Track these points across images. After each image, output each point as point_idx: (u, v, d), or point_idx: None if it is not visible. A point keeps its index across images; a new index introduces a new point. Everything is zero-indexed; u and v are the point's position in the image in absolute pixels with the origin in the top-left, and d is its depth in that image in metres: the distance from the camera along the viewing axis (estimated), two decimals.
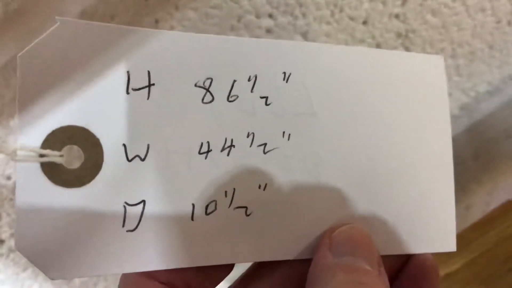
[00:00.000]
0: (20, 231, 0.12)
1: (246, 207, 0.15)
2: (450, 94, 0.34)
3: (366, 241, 0.15)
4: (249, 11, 0.24)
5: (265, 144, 0.15)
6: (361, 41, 0.28)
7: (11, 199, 0.26)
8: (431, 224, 0.17)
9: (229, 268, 0.17)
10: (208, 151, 0.14)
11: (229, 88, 0.14)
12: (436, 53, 0.31)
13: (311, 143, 0.15)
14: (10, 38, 0.22)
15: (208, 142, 0.14)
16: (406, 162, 0.17)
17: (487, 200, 0.40)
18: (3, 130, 0.24)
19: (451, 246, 0.17)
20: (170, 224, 0.14)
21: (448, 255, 0.26)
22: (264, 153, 0.15)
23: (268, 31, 0.25)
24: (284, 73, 0.15)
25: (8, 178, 0.25)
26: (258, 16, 0.25)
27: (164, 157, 0.14)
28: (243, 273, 0.18)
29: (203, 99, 0.14)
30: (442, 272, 0.28)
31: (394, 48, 0.29)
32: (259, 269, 0.18)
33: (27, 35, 0.22)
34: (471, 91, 0.34)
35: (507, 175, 0.40)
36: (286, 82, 0.15)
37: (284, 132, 0.15)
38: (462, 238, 0.29)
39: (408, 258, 0.17)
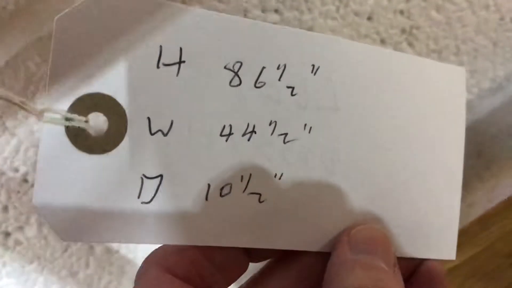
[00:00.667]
0: (39, 190, 0.12)
1: (260, 194, 0.15)
2: None
3: (384, 242, 0.16)
4: (255, 5, 0.25)
5: (286, 134, 0.15)
6: (366, 37, 0.28)
7: (18, 192, 0.26)
8: (434, 232, 0.17)
9: (244, 266, 0.17)
10: (230, 134, 0.14)
11: (258, 74, 0.14)
12: (440, 50, 0.31)
13: (331, 139, 0.16)
14: (19, 31, 0.22)
15: (230, 126, 0.14)
16: (418, 170, 0.17)
17: (490, 197, 0.40)
18: (13, 121, 0.24)
19: (451, 255, 0.18)
20: (184, 201, 0.14)
21: None
22: (284, 143, 0.15)
23: None
24: (313, 65, 0.15)
25: (16, 170, 0.25)
26: (264, 11, 0.25)
27: (186, 135, 0.14)
28: (256, 272, 0.18)
29: (230, 82, 0.14)
30: (445, 267, 0.28)
31: (398, 43, 0.29)
32: (273, 266, 0.18)
33: (36, 28, 0.22)
34: (474, 87, 0.35)
35: (510, 172, 0.40)
36: (314, 74, 0.15)
37: (305, 125, 0.15)
38: (464, 232, 0.29)
39: (419, 263, 0.18)
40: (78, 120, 0.13)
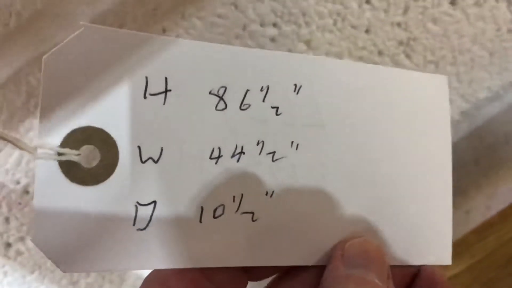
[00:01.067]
0: (37, 225, 0.13)
1: (253, 213, 0.15)
2: (450, 100, 0.34)
3: (378, 255, 0.16)
4: (254, 20, 0.25)
5: (274, 152, 0.15)
6: (363, 49, 0.28)
7: (20, 203, 0.27)
8: (429, 238, 0.17)
9: (243, 285, 0.17)
10: (219, 156, 0.15)
11: (242, 97, 0.15)
12: (437, 60, 0.31)
13: (319, 154, 0.16)
14: (21, 47, 0.22)
15: (219, 148, 0.15)
16: (408, 179, 0.17)
17: (487, 205, 0.40)
18: (14, 134, 0.24)
19: (446, 259, 0.18)
20: (179, 225, 0.14)
21: None
22: (273, 161, 0.15)
23: (272, 39, 0.26)
24: (295, 85, 0.16)
25: (17, 182, 0.26)
26: (262, 25, 0.25)
27: (177, 160, 0.14)
28: None
29: (216, 106, 0.15)
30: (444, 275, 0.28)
31: (396, 55, 0.30)
32: (275, 285, 0.18)
33: (38, 44, 0.22)
34: (471, 97, 0.35)
35: (507, 180, 0.40)
36: (297, 93, 0.16)
37: (292, 142, 0.16)
38: (462, 242, 0.29)
39: (417, 272, 0.18)
40: (71, 154, 0.13)
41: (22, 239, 0.28)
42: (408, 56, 0.30)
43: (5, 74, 0.22)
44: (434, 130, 0.18)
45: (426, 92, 0.18)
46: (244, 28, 0.25)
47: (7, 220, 0.27)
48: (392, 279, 0.16)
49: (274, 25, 0.25)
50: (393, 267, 0.16)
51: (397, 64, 0.30)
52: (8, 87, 0.23)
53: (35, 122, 0.24)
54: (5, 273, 0.29)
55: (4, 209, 0.26)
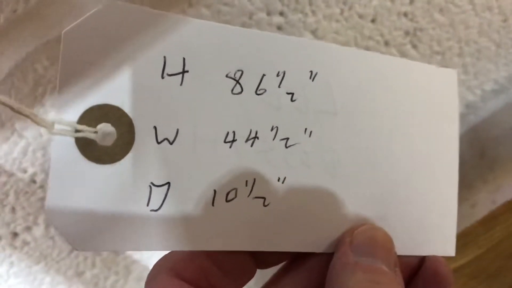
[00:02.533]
0: (52, 202, 0.13)
1: (264, 198, 0.15)
2: None
3: (385, 242, 0.16)
4: (260, 8, 0.25)
5: (287, 138, 0.15)
6: (370, 39, 0.28)
7: (27, 192, 0.27)
8: (433, 229, 0.18)
9: (251, 272, 0.17)
10: (233, 140, 0.15)
11: (258, 82, 0.15)
12: (443, 51, 0.31)
13: (331, 142, 0.16)
14: (28, 34, 0.22)
15: (234, 132, 0.15)
16: (415, 169, 0.17)
17: (492, 198, 0.40)
18: (21, 123, 0.24)
19: (450, 251, 0.18)
20: (191, 207, 0.14)
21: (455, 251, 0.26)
22: (286, 147, 0.15)
23: (279, 28, 0.26)
24: (311, 71, 0.16)
25: (24, 171, 0.26)
26: (269, 14, 0.25)
27: (191, 142, 0.14)
28: (266, 281, 0.19)
29: (232, 90, 0.15)
30: (450, 266, 0.28)
31: (402, 45, 0.29)
32: (282, 273, 0.18)
33: (45, 31, 0.22)
34: (477, 89, 0.35)
35: (511, 173, 0.40)
36: (312, 80, 0.16)
37: (306, 129, 0.16)
38: (468, 233, 0.29)
39: (422, 262, 0.18)
40: (88, 131, 0.13)
41: (28, 228, 0.28)
42: (414, 46, 0.30)
43: (12, 62, 0.22)
44: (442, 123, 0.18)
45: (436, 85, 0.18)
46: (251, 16, 0.25)
47: (13, 209, 0.27)
48: (399, 267, 0.16)
49: (281, 13, 0.25)
50: (397, 257, 0.16)
51: (403, 54, 0.30)
52: (16, 75, 0.23)
53: (42, 110, 0.24)
54: (11, 263, 0.29)
55: (11, 198, 0.26)
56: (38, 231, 0.28)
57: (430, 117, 0.18)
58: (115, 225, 0.13)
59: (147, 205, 0.14)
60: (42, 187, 0.27)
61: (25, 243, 0.28)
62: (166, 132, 0.14)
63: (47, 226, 0.28)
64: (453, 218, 0.18)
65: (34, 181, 0.26)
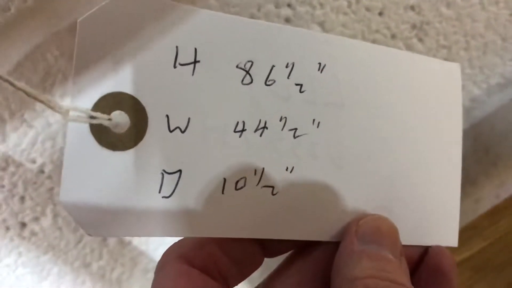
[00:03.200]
0: (65, 186, 0.13)
1: (273, 187, 0.15)
2: (462, 86, 0.34)
3: (391, 231, 0.16)
4: (268, 0, 0.25)
5: (296, 129, 0.16)
6: (377, 32, 0.28)
7: (35, 183, 0.27)
8: (436, 220, 0.18)
9: (259, 261, 0.17)
10: (243, 130, 0.15)
11: (268, 73, 0.15)
12: (450, 45, 0.31)
13: (337, 133, 0.16)
14: (38, 24, 0.22)
15: (243, 122, 0.15)
16: (419, 161, 0.17)
17: (497, 193, 0.40)
18: (30, 113, 0.24)
19: (453, 241, 0.18)
20: (202, 194, 0.14)
21: (460, 243, 0.26)
22: (294, 137, 0.16)
23: (287, 20, 0.26)
24: (320, 63, 0.16)
25: (33, 161, 0.26)
26: (277, 6, 0.25)
27: (202, 131, 0.14)
28: (273, 270, 0.19)
29: (242, 80, 0.15)
30: (456, 259, 0.28)
31: (409, 39, 0.30)
32: (289, 262, 0.18)
33: (55, 22, 0.22)
34: (483, 83, 0.35)
35: None
36: (321, 72, 0.16)
37: (314, 120, 0.16)
38: (473, 226, 0.29)
39: (425, 254, 0.18)
40: (102, 118, 0.13)
41: (37, 219, 0.28)
42: (420, 40, 0.30)
43: (22, 52, 0.23)
44: (446, 116, 0.18)
45: (440, 78, 0.18)
46: (259, 8, 0.25)
47: (22, 199, 0.27)
48: (404, 255, 0.16)
49: (289, 5, 0.25)
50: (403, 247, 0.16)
51: (409, 48, 0.30)
52: (25, 65, 0.23)
53: (52, 100, 0.24)
54: (19, 254, 0.29)
55: (20, 188, 0.27)
56: (46, 221, 0.29)
57: (434, 110, 0.18)
58: (127, 211, 0.14)
59: (159, 192, 0.14)
60: (51, 177, 0.27)
61: (33, 233, 0.29)
62: (178, 120, 0.14)
63: (55, 217, 0.29)
64: (456, 209, 0.18)
65: (42, 172, 0.27)
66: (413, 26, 0.29)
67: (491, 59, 0.34)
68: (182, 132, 0.14)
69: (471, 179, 0.41)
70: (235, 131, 0.15)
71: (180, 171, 0.14)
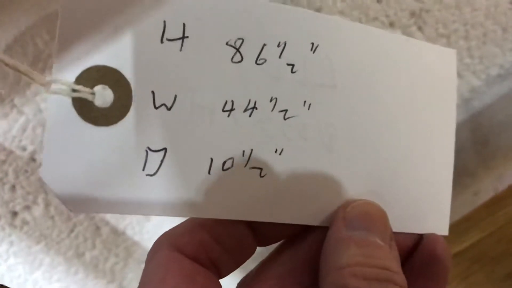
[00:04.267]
0: (46, 161, 0.13)
1: (261, 169, 0.15)
2: (461, 76, 0.34)
3: (379, 216, 0.16)
4: None
5: (286, 110, 0.15)
6: (375, 20, 0.28)
7: (26, 171, 0.26)
8: (427, 207, 0.18)
9: (251, 249, 0.17)
10: (232, 109, 0.14)
11: (259, 51, 0.15)
12: (449, 34, 0.31)
13: (329, 115, 0.16)
14: (28, 7, 0.22)
15: (232, 101, 0.14)
16: (411, 147, 0.17)
17: (495, 186, 0.40)
18: (20, 98, 0.24)
19: (443, 230, 0.18)
20: (188, 174, 0.14)
21: (457, 235, 0.26)
22: (284, 119, 0.15)
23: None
24: (312, 43, 0.15)
25: (24, 149, 0.26)
26: None
27: (189, 109, 0.14)
28: (265, 257, 0.19)
29: (232, 58, 0.14)
30: (453, 250, 0.28)
31: (407, 27, 0.29)
32: (281, 250, 0.18)
33: (45, 5, 0.22)
34: (482, 73, 0.34)
35: None
36: (313, 52, 0.15)
37: (305, 101, 0.15)
38: (471, 218, 0.29)
39: (418, 243, 0.18)
40: (84, 92, 0.13)
41: (28, 208, 0.28)
42: (419, 28, 0.30)
43: (11, 36, 0.22)
44: (440, 102, 0.18)
45: (435, 64, 0.18)
46: None
47: (13, 188, 0.27)
48: (394, 240, 0.16)
49: None
50: (395, 235, 0.16)
51: (408, 36, 0.29)
52: (15, 49, 0.22)
53: (34, 72, 0.23)
54: (11, 243, 0.29)
55: (11, 176, 0.26)
56: (38, 210, 0.28)
57: (428, 95, 0.17)
58: (109, 187, 0.13)
59: (143, 169, 0.14)
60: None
61: (25, 222, 0.28)
62: (164, 97, 0.14)
63: (46, 206, 0.28)
64: (447, 197, 0.18)
65: (33, 160, 0.26)
66: (412, 14, 0.29)
67: (491, 49, 0.33)
68: (168, 109, 0.14)
69: (470, 171, 0.41)
70: (223, 110, 0.14)
71: (165, 149, 0.14)
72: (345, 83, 0.16)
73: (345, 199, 0.16)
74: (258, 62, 0.15)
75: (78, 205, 0.13)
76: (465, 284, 0.27)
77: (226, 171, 0.14)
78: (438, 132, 0.18)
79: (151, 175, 0.14)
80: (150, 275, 0.15)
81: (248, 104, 0.15)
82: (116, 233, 0.32)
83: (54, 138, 0.13)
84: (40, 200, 0.28)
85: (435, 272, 0.17)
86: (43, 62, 0.23)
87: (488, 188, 0.40)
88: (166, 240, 0.16)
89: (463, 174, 0.40)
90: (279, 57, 0.15)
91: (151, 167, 0.14)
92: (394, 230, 0.17)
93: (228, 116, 0.14)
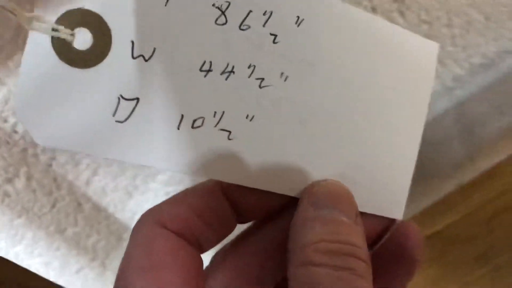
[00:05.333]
0: (20, 95, 0.13)
1: (230, 132, 0.15)
2: (444, 64, 0.34)
3: (344, 195, 0.16)
4: None
5: (263, 79, 0.15)
6: (357, 3, 0.28)
7: (8, 143, 0.27)
8: (386, 192, 0.18)
9: (232, 226, 0.18)
10: (209, 70, 0.15)
11: (244, 17, 0.15)
12: (431, 21, 0.31)
13: (304, 91, 0.16)
14: None
15: (210, 62, 0.15)
16: (380, 133, 0.18)
17: (501, 190, 0.40)
18: (3, 70, 0.24)
19: (398, 214, 0.18)
20: (157, 126, 0.14)
21: (432, 216, 0.27)
22: (260, 87, 0.15)
23: None
24: (298, 17, 0.16)
25: (5, 120, 0.26)
26: None
27: (166, 64, 0.14)
28: (240, 232, 0.19)
29: (216, 20, 0.15)
30: (427, 231, 0.28)
31: (390, 12, 0.29)
32: (257, 226, 0.19)
33: None
34: (465, 62, 0.35)
35: (499, 152, 0.40)
36: (298, 26, 0.16)
37: (282, 73, 0.16)
38: (447, 200, 0.29)
39: (387, 228, 0.18)
40: (64, 32, 0.13)
41: (10, 180, 0.28)
42: (402, 14, 0.30)
43: None
44: (415, 94, 0.18)
45: (415, 54, 0.18)
46: None
47: None
48: (360, 217, 0.16)
49: None
50: (365, 218, 0.17)
51: (390, 22, 0.30)
52: None
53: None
54: None
55: None
56: (20, 183, 0.28)
57: (404, 85, 0.18)
58: (80, 127, 0.14)
59: (113, 115, 0.14)
60: (24, 138, 0.27)
61: (6, 194, 0.29)
62: (143, 48, 0.14)
63: (28, 179, 0.29)
64: (406, 184, 0.19)
65: (15, 132, 0.27)
66: None
67: (474, 38, 0.33)
68: (146, 60, 0.14)
69: (454, 164, 0.41)
70: (201, 70, 0.15)
71: (137, 99, 0.14)
72: (325, 61, 0.16)
73: (313, 176, 0.16)
74: (242, 27, 0.15)
75: (46, 138, 0.13)
76: (439, 264, 0.27)
77: (196, 129, 0.15)
78: (407, 123, 0.18)
79: (120, 122, 0.14)
80: (133, 250, 0.16)
81: (226, 68, 0.15)
82: (98, 209, 0.32)
83: (29, 73, 0.13)
84: (21, 173, 0.28)
85: (406, 258, 0.18)
86: (25, 34, 0.23)
87: (470, 179, 0.41)
88: (151, 216, 0.16)
89: (446, 165, 0.40)
90: (263, 25, 0.15)
91: (122, 114, 0.14)
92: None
93: (205, 76, 0.15)
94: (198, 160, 0.15)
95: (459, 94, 0.37)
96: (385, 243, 0.18)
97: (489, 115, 0.40)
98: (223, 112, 0.15)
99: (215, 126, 0.15)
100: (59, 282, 0.33)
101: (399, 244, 0.18)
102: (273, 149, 0.16)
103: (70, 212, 0.31)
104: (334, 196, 0.16)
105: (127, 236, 0.35)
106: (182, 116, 0.15)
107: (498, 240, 0.26)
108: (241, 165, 0.15)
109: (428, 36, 0.34)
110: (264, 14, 0.15)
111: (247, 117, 0.15)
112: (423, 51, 0.18)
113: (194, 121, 0.15)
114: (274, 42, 0.15)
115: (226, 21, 0.15)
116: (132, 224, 0.34)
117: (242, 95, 0.15)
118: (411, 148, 0.18)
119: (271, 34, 0.15)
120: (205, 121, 0.15)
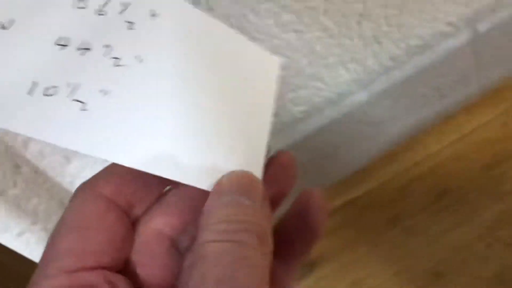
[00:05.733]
0: None
1: (83, 103, 0.16)
2: (379, 43, 0.35)
3: (247, 180, 0.17)
4: None
5: (118, 58, 0.16)
6: None
7: None
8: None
9: (163, 182, 0.18)
10: (64, 45, 0.16)
11: (103, 4, 0.16)
12: (365, 0, 0.32)
13: (158, 73, 0.17)
14: None
15: (68, 38, 0.16)
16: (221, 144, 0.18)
17: (416, 161, 0.41)
18: None
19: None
20: (7, 90, 0.15)
21: (349, 185, 0.28)
22: (115, 66, 0.17)
23: None
24: (153, 11, 0.17)
25: None
26: None
27: (23, 35, 0.15)
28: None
29: (77, 3, 0.16)
30: (344, 199, 0.30)
31: None
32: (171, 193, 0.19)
33: None
34: (401, 42, 0.36)
35: (439, 135, 0.42)
36: (151, 20, 0.17)
37: (136, 56, 0.17)
38: (367, 168, 0.30)
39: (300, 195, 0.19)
40: None
41: None
42: None
43: None
44: (257, 108, 0.19)
45: (258, 66, 0.19)
46: None
47: None
48: (268, 200, 0.17)
49: None
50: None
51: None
52: None
53: None
54: None
55: None
56: None
57: (246, 97, 0.19)
58: None
59: None
60: None
61: None
62: (2, 17, 0.15)
63: None
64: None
65: None
66: None
67: (408, 20, 0.35)
68: (4, 28, 0.15)
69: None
70: (56, 44, 0.16)
71: None
72: (161, 59, 0.17)
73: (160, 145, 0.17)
74: (100, 13, 0.16)
75: None
76: (353, 227, 0.28)
77: (48, 97, 0.16)
78: (251, 130, 0.19)
79: None
80: (66, 213, 0.17)
81: (82, 44, 0.16)
82: (37, 172, 0.33)
83: None
84: None
85: (308, 225, 0.18)
86: None
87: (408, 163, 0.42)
88: (89, 183, 0.17)
89: (387, 144, 0.41)
90: (120, 13, 0.16)
91: None
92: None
93: (60, 50, 0.16)
94: (50, 126, 0.16)
95: (397, 75, 0.38)
96: (290, 211, 0.19)
97: (428, 97, 0.41)
98: (78, 84, 0.16)
99: (68, 96, 0.16)
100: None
101: (302, 211, 0.18)
102: (127, 123, 0.17)
103: (8, 173, 0.32)
104: (236, 183, 0.17)
105: (67, 200, 0.35)
106: (34, 83, 0.15)
107: (409, 205, 0.27)
108: (95, 137, 0.16)
109: (362, 15, 0.35)
110: (122, 4, 0.16)
111: (101, 91, 0.16)
112: (265, 64, 0.19)
113: (47, 89, 0.16)
114: (128, 29, 0.17)
115: (86, 6, 0.16)
116: (73, 189, 0.35)
117: (98, 71, 0.16)
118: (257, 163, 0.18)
119: (127, 22, 0.17)
120: (58, 90, 0.16)
